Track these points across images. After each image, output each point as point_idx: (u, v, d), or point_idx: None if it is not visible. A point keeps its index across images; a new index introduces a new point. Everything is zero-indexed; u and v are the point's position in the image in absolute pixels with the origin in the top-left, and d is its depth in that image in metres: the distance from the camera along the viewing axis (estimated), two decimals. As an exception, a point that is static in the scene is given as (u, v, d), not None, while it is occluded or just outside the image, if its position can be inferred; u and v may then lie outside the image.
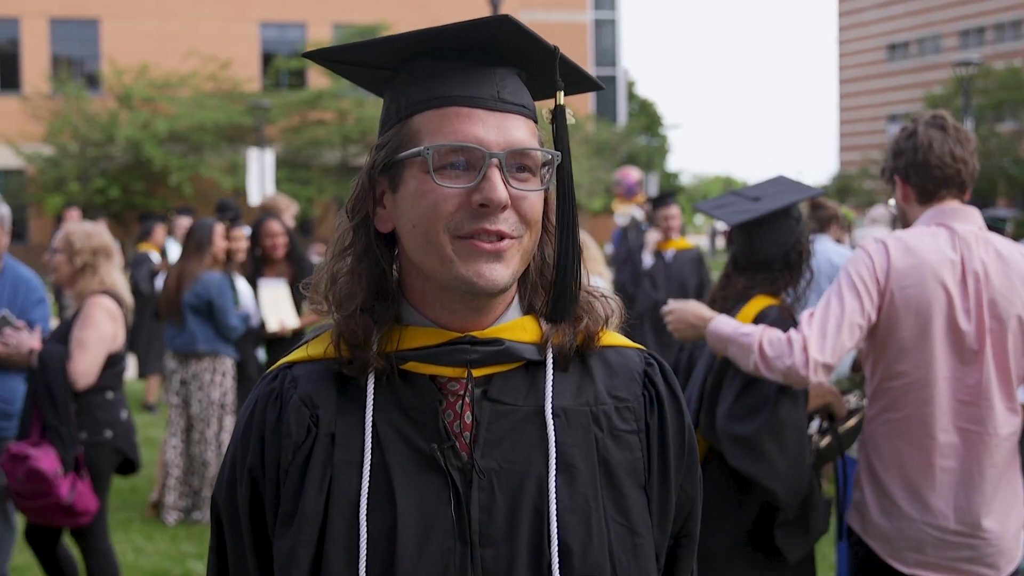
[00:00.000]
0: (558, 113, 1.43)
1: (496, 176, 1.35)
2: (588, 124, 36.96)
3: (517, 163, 1.38)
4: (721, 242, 63.67)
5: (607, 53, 47.62)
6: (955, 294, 3.01)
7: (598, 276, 5.78)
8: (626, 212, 16.10)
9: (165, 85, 29.70)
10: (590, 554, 1.38)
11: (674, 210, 8.51)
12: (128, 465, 4.92)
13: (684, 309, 3.37)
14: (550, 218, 1.46)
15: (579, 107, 36.96)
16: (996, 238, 3.10)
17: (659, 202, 8.65)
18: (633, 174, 16.81)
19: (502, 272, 1.37)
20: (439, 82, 1.40)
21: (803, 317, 3.10)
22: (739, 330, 3.16)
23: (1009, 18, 54.75)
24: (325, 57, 1.48)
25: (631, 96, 53.43)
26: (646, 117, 52.11)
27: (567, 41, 41.92)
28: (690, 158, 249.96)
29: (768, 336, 3.08)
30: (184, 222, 10.58)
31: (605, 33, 47.89)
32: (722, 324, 3.22)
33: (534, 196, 1.40)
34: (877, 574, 3.12)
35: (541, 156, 1.41)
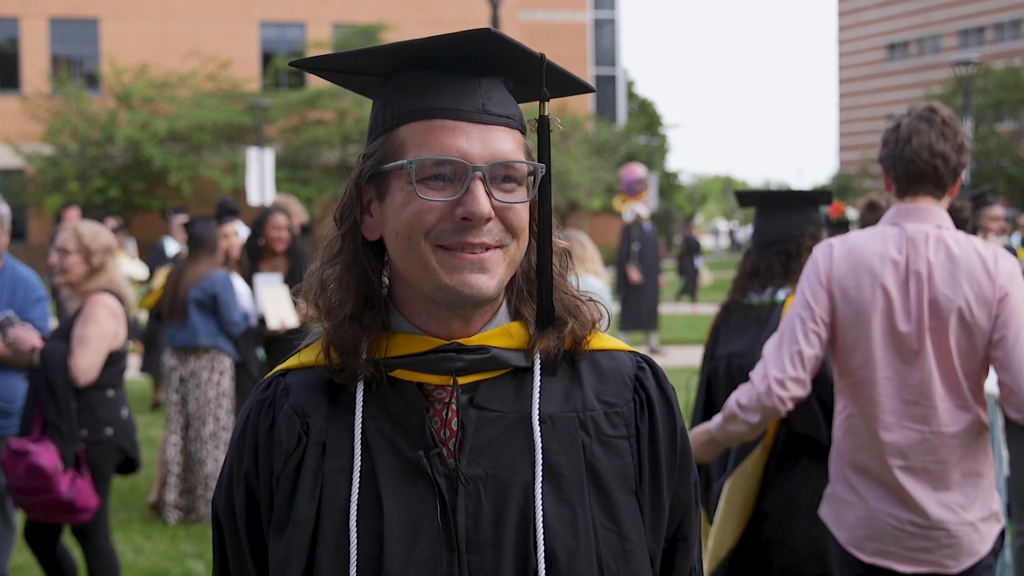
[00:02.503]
0: (543, 124, 1.43)
1: (479, 189, 1.36)
2: (588, 124, 36.85)
3: (502, 174, 1.38)
4: (724, 241, 62.84)
5: (607, 53, 47.56)
6: (895, 295, 3.01)
7: (594, 276, 5.75)
8: (630, 209, 15.94)
9: (164, 85, 29.67)
10: (577, 560, 1.38)
11: (998, 210, 6.84)
12: (129, 464, 4.92)
13: (691, 442, 3.42)
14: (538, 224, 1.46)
15: (579, 107, 36.92)
16: (953, 238, 3.04)
17: (981, 200, 6.79)
18: (637, 170, 16.64)
19: (487, 282, 1.37)
20: (425, 94, 1.39)
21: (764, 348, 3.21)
22: (720, 415, 3.27)
23: (1009, 18, 54.75)
24: (313, 66, 1.49)
25: (631, 96, 53.27)
26: (646, 117, 51.87)
27: (567, 41, 41.87)
28: (690, 158, 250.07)
29: (737, 393, 3.20)
30: (180, 219, 10.57)
31: (605, 33, 47.84)
32: (711, 425, 3.31)
33: (519, 206, 1.39)
34: (845, 564, 3.17)
35: (526, 166, 1.41)
